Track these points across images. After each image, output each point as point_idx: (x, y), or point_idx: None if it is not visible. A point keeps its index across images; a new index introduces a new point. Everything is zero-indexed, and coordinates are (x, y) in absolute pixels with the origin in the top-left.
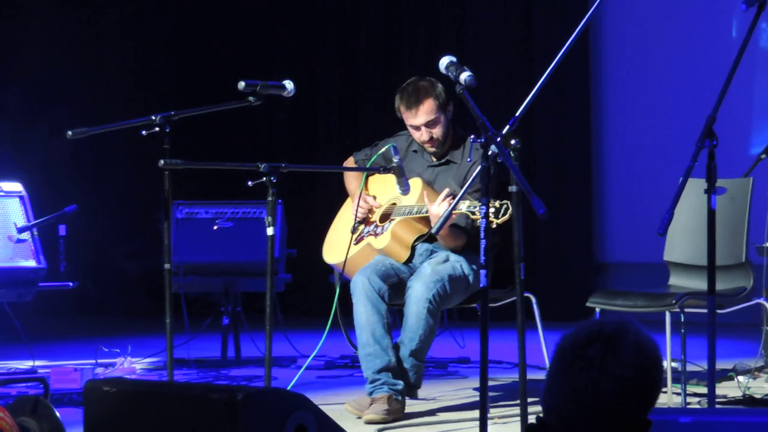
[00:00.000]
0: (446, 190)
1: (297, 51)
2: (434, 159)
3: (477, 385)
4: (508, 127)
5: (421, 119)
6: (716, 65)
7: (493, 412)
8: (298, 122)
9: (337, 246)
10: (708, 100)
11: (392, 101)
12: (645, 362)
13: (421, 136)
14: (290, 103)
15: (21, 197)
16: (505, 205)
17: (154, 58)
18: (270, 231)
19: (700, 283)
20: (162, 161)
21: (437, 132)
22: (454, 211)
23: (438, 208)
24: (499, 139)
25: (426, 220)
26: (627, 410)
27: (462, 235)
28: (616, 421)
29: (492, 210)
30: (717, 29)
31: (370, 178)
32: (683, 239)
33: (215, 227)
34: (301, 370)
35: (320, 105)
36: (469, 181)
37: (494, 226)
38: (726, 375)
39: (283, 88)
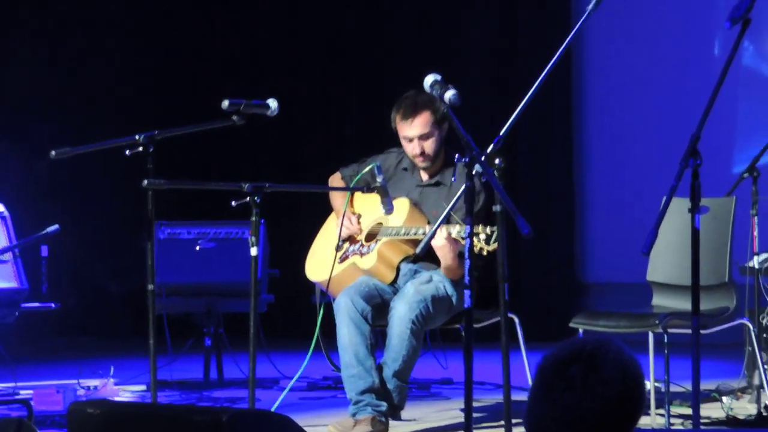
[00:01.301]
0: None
1: (280, 69)
2: (424, 178)
3: (460, 406)
4: (492, 146)
5: (415, 131)
6: (699, 83)
7: None
8: (280, 141)
9: (320, 263)
10: (690, 118)
11: (377, 121)
12: (627, 381)
13: (413, 149)
14: (273, 121)
15: (2, 217)
16: (496, 232)
17: (135, 78)
18: (254, 251)
19: (683, 303)
20: (145, 181)
21: (429, 146)
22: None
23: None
24: (483, 158)
25: (413, 243)
26: (610, 429)
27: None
28: None
29: (483, 237)
30: (699, 47)
31: (356, 194)
32: (666, 259)
33: (197, 248)
34: (285, 391)
35: (303, 124)
36: (452, 201)
37: (485, 253)
38: (709, 396)
39: (267, 107)
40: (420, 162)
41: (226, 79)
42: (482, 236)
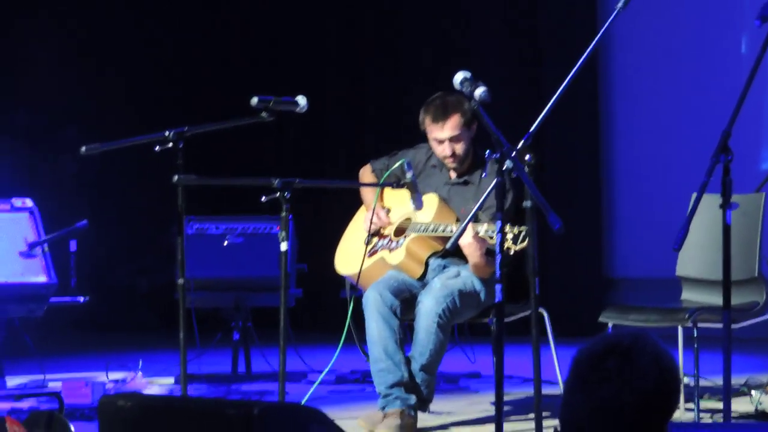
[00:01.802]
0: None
1: (304, 66)
2: (452, 176)
3: (489, 399)
4: (522, 142)
5: (447, 133)
6: (725, 80)
7: (506, 427)
8: (305, 137)
9: (350, 257)
10: (717, 114)
11: (399, 117)
12: (664, 373)
13: (444, 150)
14: (297, 117)
15: (31, 213)
16: (523, 232)
17: (161, 75)
18: (284, 246)
19: (712, 298)
20: (176, 177)
21: (459, 148)
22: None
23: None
24: (514, 154)
25: (441, 240)
26: (646, 421)
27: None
28: None
29: (511, 236)
30: (727, 45)
31: (385, 189)
32: (696, 254)
33: (225, 243)
34: (315, 384)
35: (328, 120)
36: (482, 198)
37: (512, 252)
38: (738, 390)
39: (296, 104)
40: (450, 163)
41: (242, 77)
42: (510, 236)
